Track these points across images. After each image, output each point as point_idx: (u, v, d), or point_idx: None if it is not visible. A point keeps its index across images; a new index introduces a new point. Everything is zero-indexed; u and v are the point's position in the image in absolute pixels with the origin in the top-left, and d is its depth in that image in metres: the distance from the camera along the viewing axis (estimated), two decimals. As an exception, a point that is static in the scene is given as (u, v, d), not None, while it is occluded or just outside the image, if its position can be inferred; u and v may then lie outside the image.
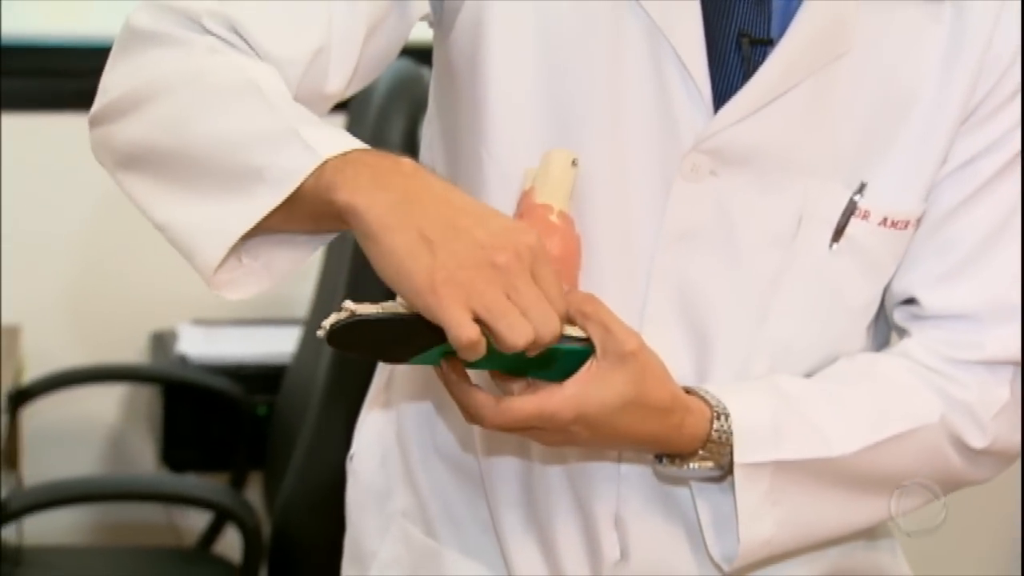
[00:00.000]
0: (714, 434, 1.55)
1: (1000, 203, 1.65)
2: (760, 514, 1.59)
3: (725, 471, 1.57)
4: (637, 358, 1.47)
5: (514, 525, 1.68)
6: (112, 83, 1.53)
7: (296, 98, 1.50)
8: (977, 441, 1.66)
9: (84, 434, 3.52)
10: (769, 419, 1.58)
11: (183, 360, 3.41)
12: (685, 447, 1.55)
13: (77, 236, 3.50)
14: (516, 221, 1.43)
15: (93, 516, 3.52)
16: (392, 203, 1.38)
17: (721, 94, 1.58)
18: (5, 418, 3.15)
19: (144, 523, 3.50)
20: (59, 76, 3.52)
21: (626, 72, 1.58)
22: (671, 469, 1.56)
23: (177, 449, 3.40)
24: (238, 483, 3.39)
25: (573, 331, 1.45)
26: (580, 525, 1.66)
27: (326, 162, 1.40)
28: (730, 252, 1.59)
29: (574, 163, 1.52)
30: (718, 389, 1.57)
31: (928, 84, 1.61)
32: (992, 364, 1.66)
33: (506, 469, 1.68)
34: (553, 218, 1.49)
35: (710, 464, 1.56)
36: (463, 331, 1.33)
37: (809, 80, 1.58)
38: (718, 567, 1.63)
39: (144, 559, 3.34)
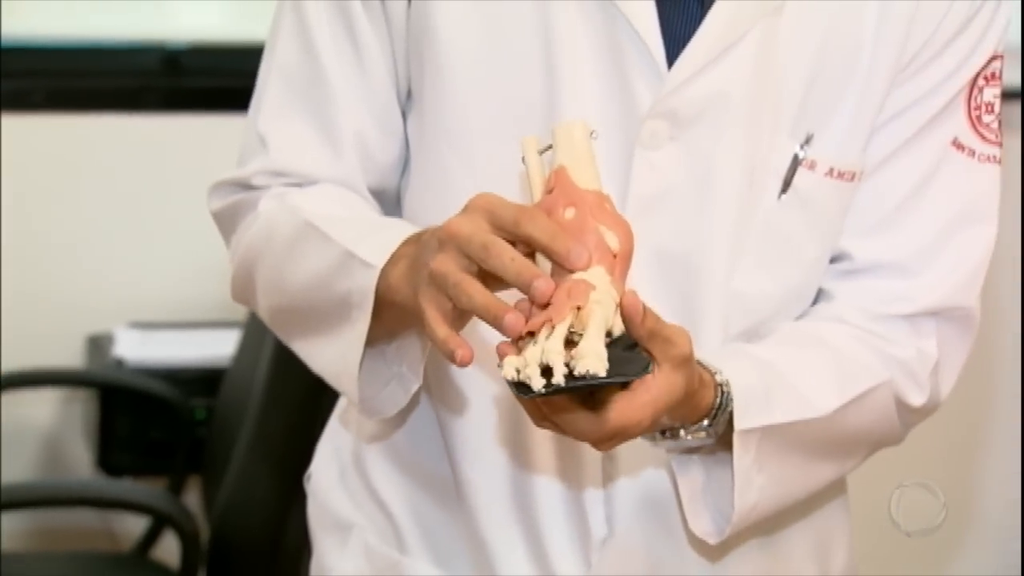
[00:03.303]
0: (717, 401, 1.54)
1: (930, 151, 1.68)
2: (750, 479, 1.59)
3: (715, 439, 1.57)
4: (691, 361, 1.47)
5: (500, 516, 1.70)
6: (231, 259, 1.70)
7: (369, 188, 1.67)
8: (917, 399, 1.69)
9: (19, 438, 3.51)
10: (759, 385, 1.58)
11: (120, 363, 3.41)
12: (695, 419, 1.55)
13: (12, 238, 3.49)
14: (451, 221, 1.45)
15: (28, 521, 3.51)
16: (409, 280, 1.47)
17: (683, 40, 1.61)
18: None
19: (80, 528, 3.50)
20: (9, 77, 3.49)
21: (580, 45, 1.61)
22: (668, 443, 1.56)
23: (114, 453, 3.40)
24: (176, 488, 3.40)
25: (616, 327, 1.40)
26: (567, 506, 1.68)
27: (384, 269, 1.50)
28: (695, 212, 1.61)
29: (592, 134, 1.48)
30: (706, 356, 1.55)
31: (867, 35, 1.64)
32: (917, 319, 1.69)
33: (492, 461, 1.69)
34: (609, 207, 1.45)
35: (703, 434, 1.56)
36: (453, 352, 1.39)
37: (754, 32, 1.61)
38: (699, 541, 1.63)
39: (80, 565, 3.35)
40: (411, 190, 1.70)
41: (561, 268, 1.40)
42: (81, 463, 3.50)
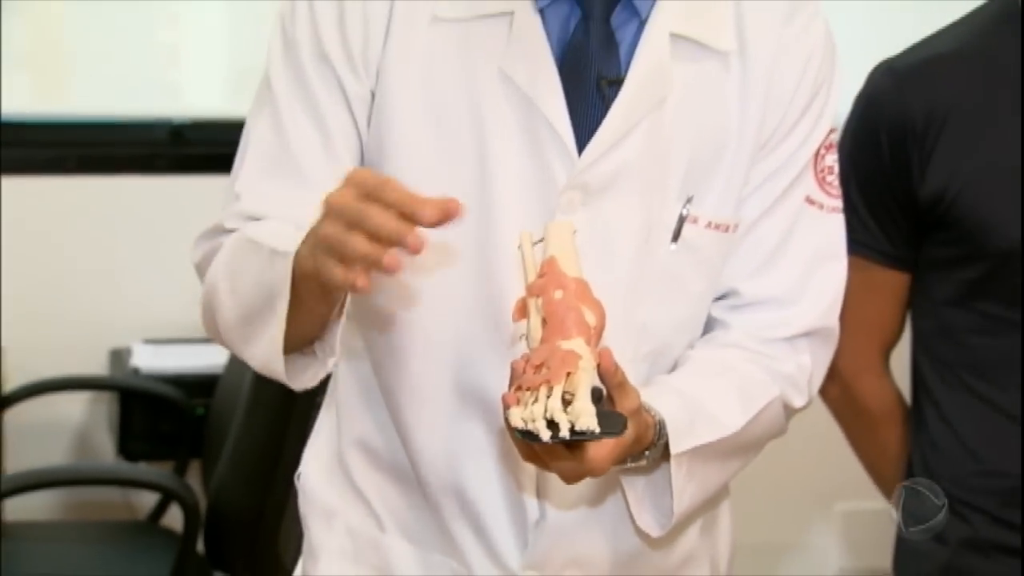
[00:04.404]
0: (655, 437, 1.55)
1: (791, 209, 1.69)
2: (684, 490, 1.59)
3: (649, 460, 1.57)
4: (641, 411, 1.51)
5: (451, 504, 1.67)
6: (203, 296, 1.62)
7: None
8: (799, 402, 1.71)
9: (55, 431, 3.49)
10: (685, 417, 1.58)
11: (136, 371, 3.37)
12: (639, 452, 1.55)
13: (51, 272, 3.46)
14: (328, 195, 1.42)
15: (62, 497, 3.48)
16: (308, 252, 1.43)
17: (590, 127, 1.60)
18: None
19: (104, 502, 3.46)
20: (48, 147, 3.49)
21: (507, 135, 1.60)
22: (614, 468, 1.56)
23: (131, 442, 3.35)
24: (180, 469, 3.34)
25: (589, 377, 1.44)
26: (506, 495, 1.66)
27: (296, 254, 1.45)
28: (603, 260, 1.59)
29: (575, 232, 1.52)
30: (645, 396, 1.55)
31: (732, 123, 1.65)
32: (794, 340, 1.70)
33: (443, 465, 1.67)
34: (588, 292, 1.48)
35: (643, 461, 1.56)
36: (347, 279, 1.36)
37: (644, 122, 1.60)
38: (642, 533, 1.64)
39: (104, 531, 3.30)
40: None
41: (550, 335, 1.44)
42: (105, 450, 3.46)
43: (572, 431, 1.38)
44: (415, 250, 1.32)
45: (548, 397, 1.40)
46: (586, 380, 1.41)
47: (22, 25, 3.39)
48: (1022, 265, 1.91)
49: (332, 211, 1.36)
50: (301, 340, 1.53)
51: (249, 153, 1.63)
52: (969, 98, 1.93)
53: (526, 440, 1.41)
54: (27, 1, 3.35)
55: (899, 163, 1.95)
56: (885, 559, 3.38)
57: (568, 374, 1.41)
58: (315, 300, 1.47)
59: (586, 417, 1.38)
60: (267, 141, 1.62)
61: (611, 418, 1.43)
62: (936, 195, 1.93)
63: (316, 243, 1.38)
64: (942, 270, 1.97)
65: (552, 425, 1.39)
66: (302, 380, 1.56)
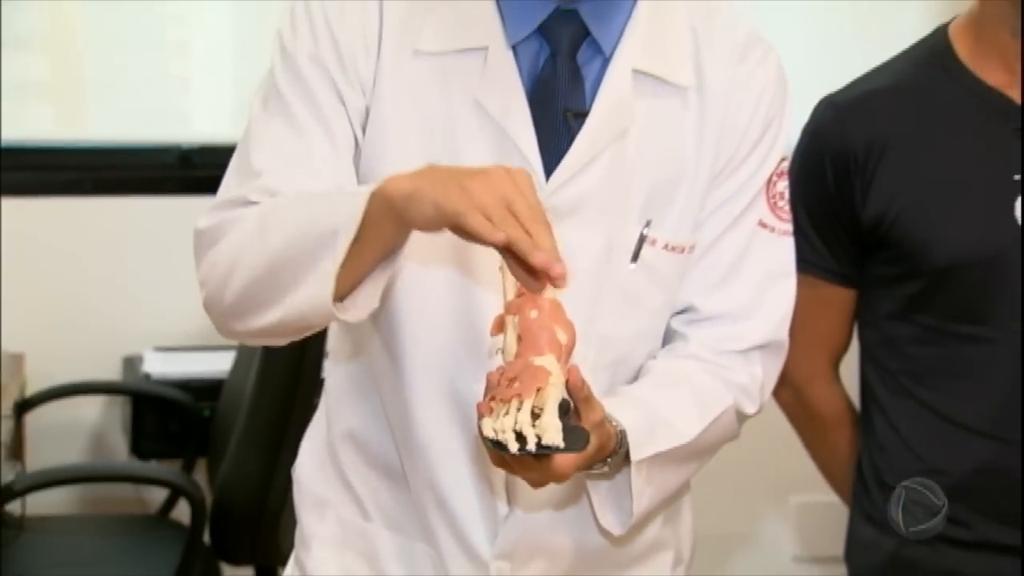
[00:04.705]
0: (616, 446, 1.55)
1: (745, 231, 1.68)
2: (644, 493, 1.59)
3: (611, 466, 1.57)
4: (604, 423, 1.50)
5: (430, 498, 1.66)
6: (204, 277, 1.55)
7: None
8: (751, 409, 1.70)
9: (74, 432, 3.47)
10: (645, 426, 1.58)
11: (147, 377, 3.35)
12: (601, 460, 1.55)
13: (71, 284, 3.45)
14: (497, 166, 1.43)
15: (79, 493, 3.47)
16: (413, 184, 1.40)
17: (557, 155, 1.59)
18: (13, 422, 3.11)
19: (118, 497, 3.44)
20: (67, 170, 3.48)
21: (480, 158, 1.57)
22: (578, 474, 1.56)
23: (143, 442, 3.33)
24: (188, 467, 3.33)
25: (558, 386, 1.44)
26: (478, 492, 1.65)
27: (370, 197, 1.41)
28: (570, 275, 1.55)
29: None
30: (608, 407, 1.54)
31: (689, 153, 1.64)
32: (747, 352, 1.69)
33: (422, 462, 1.66)
34: (561, 312, 1.46)
35: (605, 468, 1.56)
36: (494, 235, 1.37)
37: (607, 151, 1.60)
38: (606, 531, 1.63)
39: (118, 524, 3.30)
40: None
41: (524, 351, 1.43)
42: (119, 450, 3.45)
43: (538, 445, 1.38)
44: (560, 276, 1.39)
45: (519, 410, 1.40)
46: (554, 396, 1.41)
47: (45, 59, 3.40)
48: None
49: (523, 203, 1.38)
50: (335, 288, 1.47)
51: (259, 143, 1.58)
52: (905, 129, 1.93)
53: (496, 449, 1.40)
54: (50, 37, 3.36)
55: (843, 189, 1.95)
56: (836, 547, 3.38)
57: (538, 389, 1.41)
58: (374, 245, 1.44)
59: (552, 432, 1.38)
60: (281, 136, 1.59)
61: (576, 433, 1.44)
62: (877, 218, 1.94)
63: (468, 200, 1.37)
64: (884, 286, 1.97)
65: (520, 438, 1.39)
66: (353, 308, 1.48)
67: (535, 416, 1.40)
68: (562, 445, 1.39)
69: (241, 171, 1.58)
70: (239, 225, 1.52)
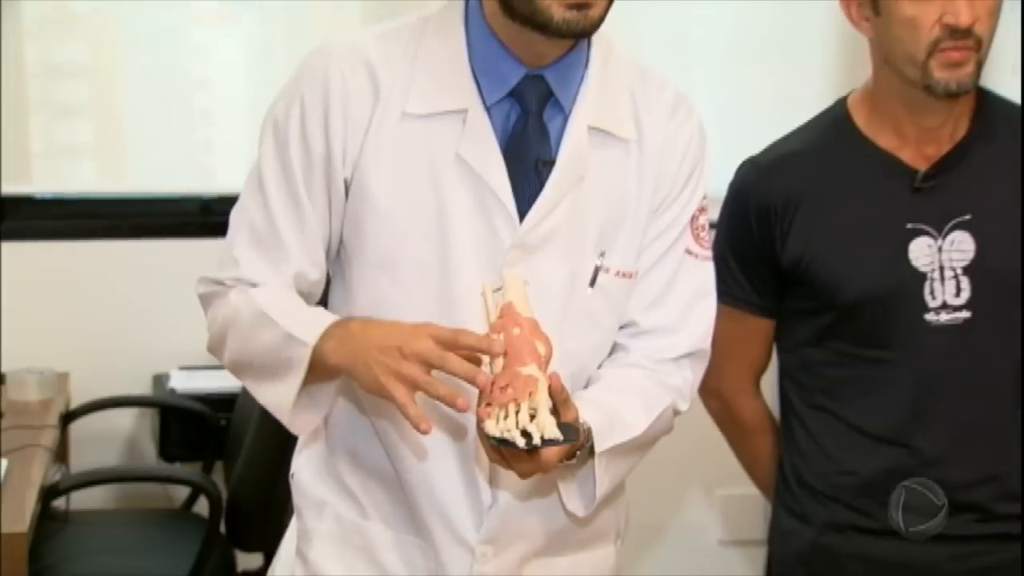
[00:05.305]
0: (584, 441, 1.56)
1: (675, 259, 1.68)
2: (603, 480, 1.59)
3: (578, 458, 1.58)
4: (577, 422, 1.51)
5: (422, 493, 1.65)
6: (208, 326, 1.65)
7: (299, 292, 1.62)
8: (684, 406, 1.70)
9: (110, 440, 3.43)
10: (606, 423, 1.58)
11: (173, 391, 3.32)
12: (572, 454, 1.55)
13: (106, 315, 3.41)
14: (408, 326, 1.48)
15: (115, 491, 3.42)
16: (349, 352, 1.48)
17: (528, 199, 1.59)
18: (59, 430, 3.09)
19: (149, 494, 3.40)
20: (107, 217, 3.45)
21: (462, 206, 1.58)
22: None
23: (169, 448, 3.30)
24: (207, 468, 3.29)
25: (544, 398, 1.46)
26: (464, 485, 1.64)
27: (316, 344, 1.50)
28: (538, 301, 1.56)
29: (526, 282, 1.53)
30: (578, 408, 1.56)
31: (631, 195, 1.65)
32: (679, 359, 1.69)
33: (417, 465, 1.64)
34: (539, 328, 1.48)
35: (573, 460, 1.57)
36: (408, 409, 1.43)
37: (568, 196, 1.60)
38: (571, 514, 1.64)
39: (148, 517, 3.27)
40: (354, 304, 1.64)
41: (510, 363, 1.44)
42: (149, 454, 3.40)
43: (542, 439, 1.41)
44: (483, 388, 1.43)
45: (517, 412, 1.41)
46: (544, 398, 1.42)
47: (90, 124, 3.38)
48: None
49: (414, 356, 1.43)
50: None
51: (244, 229, 1.62)
52: (815, 186, 1.94)
53: (501, 447, 1.42)
54: (94, 105, 3.34)
55: (765, 237, 1.96)
56: (755, 533, 3.41)
57: (530, 394, 1.42)
58: (319, 376, 1.53)
59: (551, 428, 1.41)
60: (258, 222, 1.61)
61: (568, 428, 1.46)
62: (794, 261, 1.94)
63: (388, 370, 1.44)
64: (801, 318, 1.98)
65: (525, 435, 1.40)
66: (298, 426, 1.59)
67: (531, 417, 1.41)
68: (561, 438, 1.41)
69: (225, 256, 1.63)
70: (223, 304, 1.61)
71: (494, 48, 1.58)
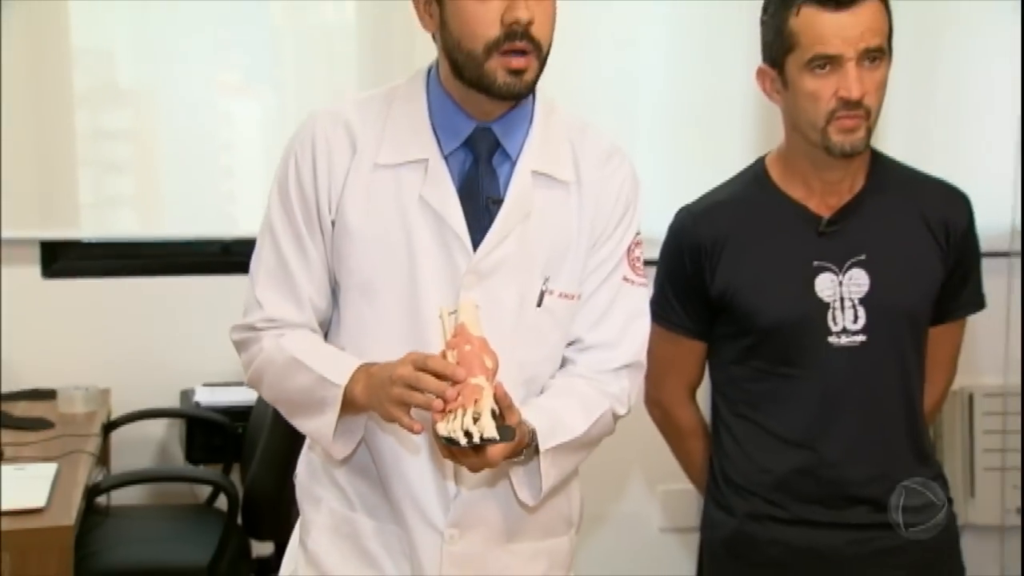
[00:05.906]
0: (529, 441, 1.56)
1: (614, 284, 1.68)
2: (549, 474, 1.59)
3: (525, 456, 1.57)
4: (521, 425, 1.52)
5: (399, 487, 1.65)
6: (245, 367, 1.66)
7: (320, 324, 1.64)
8: (622, 411, 1.69)
9: (144, 446, 3.42)
10: (549, 425, 1.58)
11: (198, 404, 3.30)
12: (519, 452, 1.55)
13: (142, 340, 3.40)
14: (399, 359, 1.49)
15: (149, 489, 3.41)
16: (368, 391, 1.51)
17: (481, 232, 1.59)
18: (101, 438, 3.08)
19: (177, 492, 3.39)
20: (142, 257, 3.41)
21: (424, 239, 1.59)
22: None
23: (195, 452, 3.28)
24: (227, 470, 3.28)
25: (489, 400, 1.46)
26: (434, 478, 1.64)
27: (346, 386, 1.53)
28: (492, 319, 1.58)
29: (477, 306, 1.53)
30: (523, 413, 1.54)
31: (573, 228, 1.64)
32: (619, 370, 1.67)
33: (394, 461, 1.64)
34: (487, 345, 1.48)
35: (521, 458, 1.57)
36: (404, 423, 1.46)
37: (517, 229, 1.60)
38: (523, 504, 1.63)
39: (176, 511, 3.25)
40: (341, 324, 1.66)
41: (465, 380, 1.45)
42: (177, 458, 3.38)
43: (481, 438, 1.41)
44: (450, 400, 1.43)
45: (463, 415, 1.42)
46: (488, 404, 1.43)
47: (131, 178, 3.38)
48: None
49: (399, 379, 1.45)
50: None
51: (261, 269, 1.65)
52: (738, 229, 1.95)
53: (449, 445, 1.43)
54: (135, 159, 3.34)
55: (697, 272, 1.97)
56: (690, 521, 3.41)
57: (475, 400, 1.43)
58: (349, 410, 1.55)
59: (490, 429, 1.42)
60: (272, 264, 1.64)
61: (505, 429, 1.46)
62: (721, 293, 1.96)
63: (388, 398, 1.47)
64: (727, 340, 1.99)
65: (467, 435, 1.42)
66: (337, 451, 1.60)
67: (475, 420, 1.42)
68: (498, 437, 1.42)
69: (249, 300, 1.65)
70: (258, 349, 1.63)
71: (449, 107, 1.60)
